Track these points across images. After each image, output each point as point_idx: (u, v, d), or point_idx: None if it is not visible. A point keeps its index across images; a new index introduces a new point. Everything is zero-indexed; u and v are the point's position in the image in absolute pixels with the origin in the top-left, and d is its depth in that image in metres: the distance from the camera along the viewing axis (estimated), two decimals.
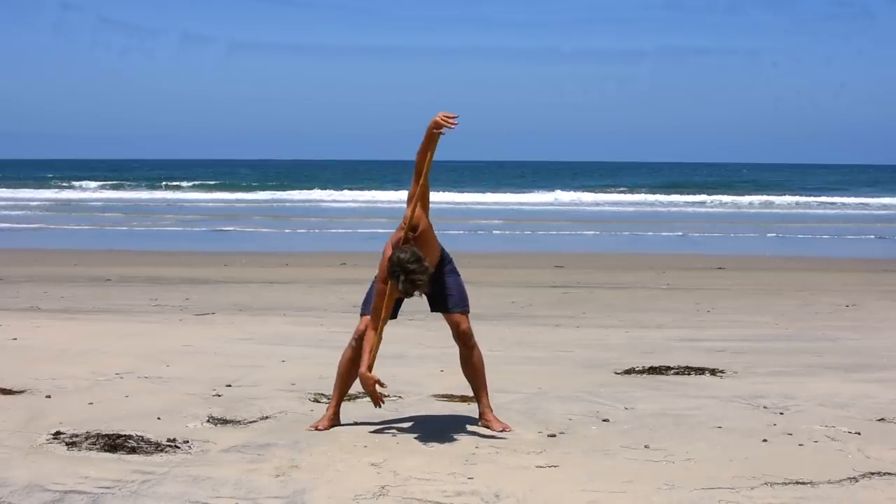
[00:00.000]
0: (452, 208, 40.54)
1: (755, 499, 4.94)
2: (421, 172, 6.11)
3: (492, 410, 6.41)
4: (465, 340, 6.32)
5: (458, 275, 6.43)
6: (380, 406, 6.21)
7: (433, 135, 6.06)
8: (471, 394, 6.79)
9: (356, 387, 6.42)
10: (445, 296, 6.33)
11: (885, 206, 45.75)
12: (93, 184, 59.81)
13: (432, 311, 6.39)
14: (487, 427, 6.31)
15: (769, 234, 29.71)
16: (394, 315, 6.35)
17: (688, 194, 53.24)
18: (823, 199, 50.60)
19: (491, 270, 18.04)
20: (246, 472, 5.30)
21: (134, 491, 4.99)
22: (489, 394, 6.46)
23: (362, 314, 6.33)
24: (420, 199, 6.14)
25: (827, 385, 7.82)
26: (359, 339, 6.27)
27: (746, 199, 49.98)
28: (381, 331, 6.19)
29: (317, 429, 6.25)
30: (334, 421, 6.36)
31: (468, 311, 6.37)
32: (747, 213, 42.08)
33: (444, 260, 6.37)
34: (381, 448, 5.84)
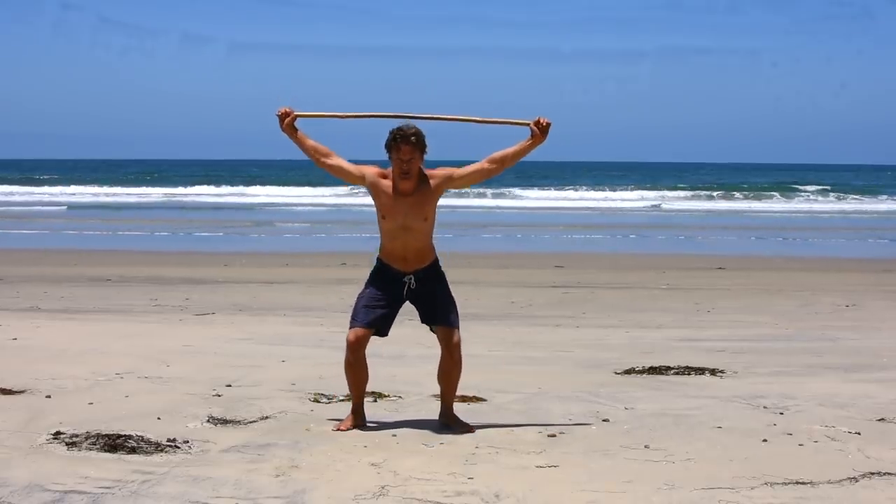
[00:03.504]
0: (453, 208, 40.53)
1: (755, 499, 4.94)
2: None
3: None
4: (452, 351, 6.28)
5: (447, 284, 6.43)
6: (280, 121, 6.48)
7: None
8: (470, 394, 6.81)
9: (344, 388, 6.40)
10: (439, 308, 6.32)
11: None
12: (92, 185, 59.74)
13: (423, 321, 6.39)
14: (448, 426, 6.30)
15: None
16: (384, 332, 6.39)
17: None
18: None
19: (491, 270, 18.05)
20: (246, 472, 5.30)
21: (134, 491, 4.99)
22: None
23: (351, 326, 6.33)
24: (458, 172, 6.38)
25: (827, 385, 7.82)
26: (352, 348, 6.28)
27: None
28: (326, 155, 6.43)
29: (339, 429, 6.25)
30: (356, 420, 6.34)
31: (458, 326, 6.37)
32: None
33: (437, 261, 6.41)
34: (381, 448, 5.84)
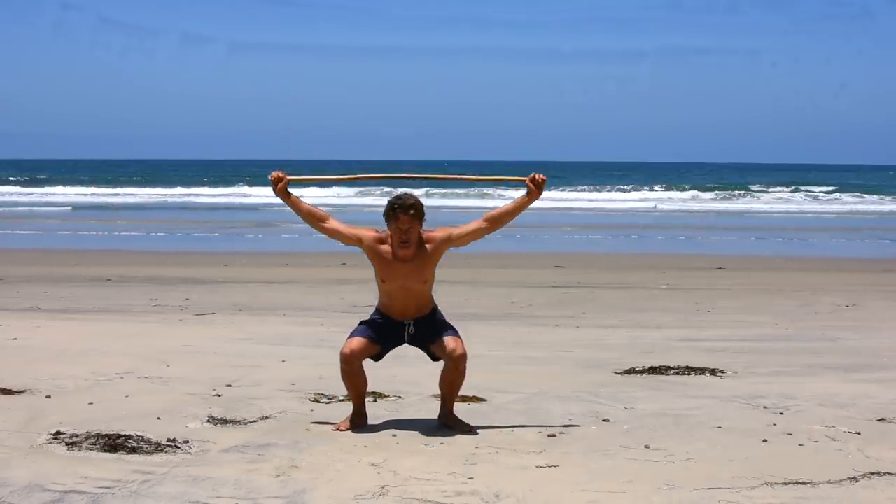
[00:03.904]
0: (455, 209, 40.52)
1: (755, 499, 4.94)
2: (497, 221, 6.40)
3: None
4: (457, 363, 6.24)
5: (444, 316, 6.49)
6: (274, 185, 6.42)
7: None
8: (470, 394, 6.79)
9: (341, 389, 6.40)
10: (438, 327, 6.34)
11: None
12: (92, 186, 59.72)
13: (427, 349, 6.38)
14: (449, 427, 6.29)
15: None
16: (379, 356, 6.42)
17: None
18: None
19: (491, 270, 18.04)
20: (246, 472, 5.30)
21: (134, 491, 4.99)
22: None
23: (348, 338, 6.36)
24: (455, 232, 6.36)
25: (827, 385, 7.82)
26: (346, 360, 6.27)
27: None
28: (321, 219, 6.40)
29: (339, 429, 6.27)
30: (357, 421, 6.34)
31: (462, 340, 6.35)
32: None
33: (436, 307, 6.43)
34: (381, 448, 5.84)
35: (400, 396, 7.27)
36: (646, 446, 5.90)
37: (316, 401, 7.12)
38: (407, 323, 6.32)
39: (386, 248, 6.25)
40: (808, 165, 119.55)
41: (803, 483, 5.17)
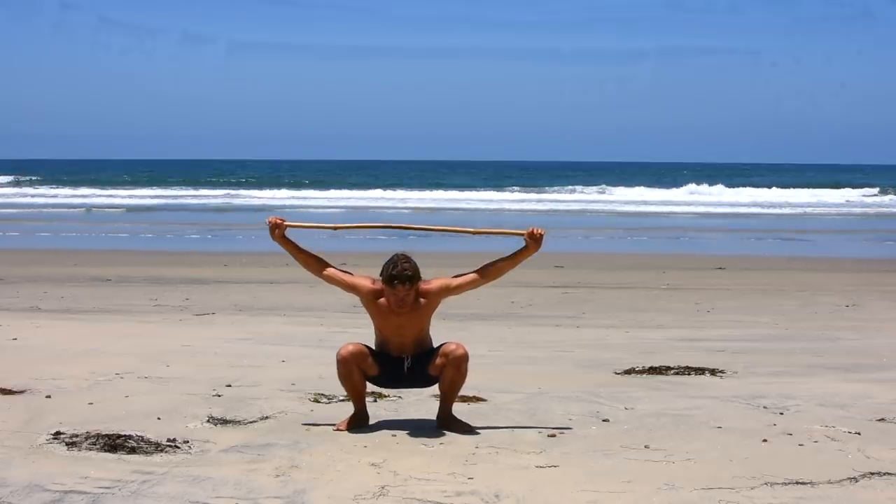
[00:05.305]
0: (456, 209, 40.54)
1: (755, 499, 4.94)
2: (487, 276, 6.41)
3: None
4: (458, 363, 6.23)
5: None
6: (272, 231, 6.41)
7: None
8: (471, 394, 6.77)
9: (342, 389, 6.40)
10: (436, 351, 6.32)
11: None
12: (91, 186, 59.69)
13: (429, 375, 6.35)
14: (449, 429, 6.28)
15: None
16: (378, 379, 6.40)
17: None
18: None
19: None
20: (246, 472, 5.30)
21: (134, 491, 4.99)
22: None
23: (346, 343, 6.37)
24: (453, 284, 6.33)
25: (827, 385, 7.82)
26: (343, 362, 6.27)
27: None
28: (318, 267, 6.39)
29: (338, 429, 6.28)
30: (358, 422, 6.35)
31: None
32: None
33: (433, 347, 6.40)
34: (381, 448, 5.84)
35: (400, 396, 7.27)
36: (646, 446, 5.91)
37: (316, 401, 7.12)
38: (405, 357, 6.32)
39: (383, 301, 6.24)
40: (809, 166, 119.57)
41: (803, 483, 5.17)
